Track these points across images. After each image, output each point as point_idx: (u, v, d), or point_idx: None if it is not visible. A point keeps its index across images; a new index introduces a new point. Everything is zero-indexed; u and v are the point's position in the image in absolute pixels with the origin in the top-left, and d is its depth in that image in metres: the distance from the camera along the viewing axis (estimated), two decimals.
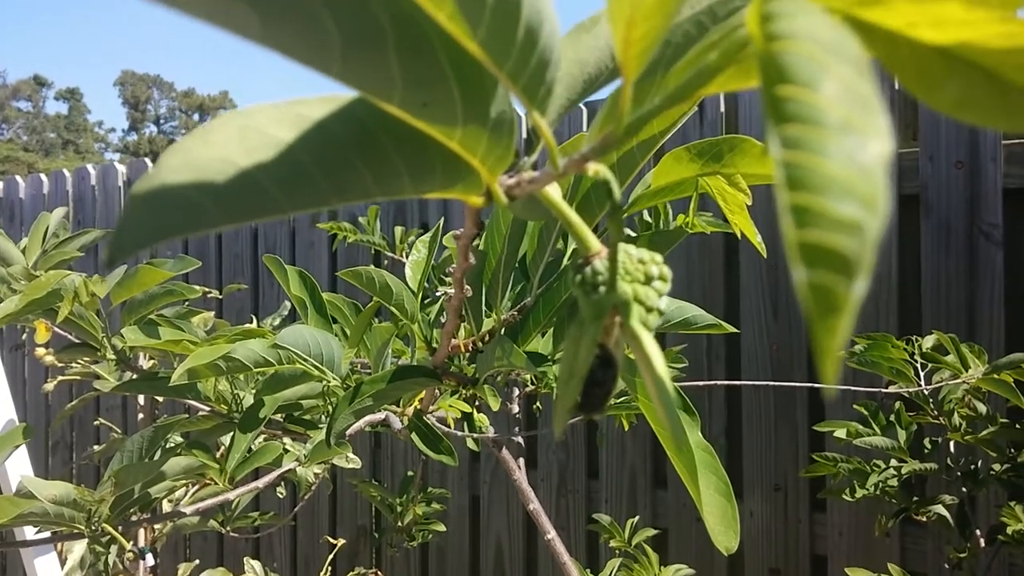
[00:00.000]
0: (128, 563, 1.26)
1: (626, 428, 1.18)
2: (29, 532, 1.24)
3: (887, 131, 0.15)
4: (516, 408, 1.36)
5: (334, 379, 0.71)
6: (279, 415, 1.07)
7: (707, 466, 0.45)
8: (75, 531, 0.86)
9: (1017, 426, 1.08)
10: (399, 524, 1.52)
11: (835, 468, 1.17)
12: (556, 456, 1.95)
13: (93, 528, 0.85)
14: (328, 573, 1.66)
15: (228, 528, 1.55)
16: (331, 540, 1.73)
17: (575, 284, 0.31)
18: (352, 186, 0.25)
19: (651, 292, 0.30)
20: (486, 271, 0.50)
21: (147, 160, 2.82)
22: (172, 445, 1.09)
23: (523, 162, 0.31)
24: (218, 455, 1.05)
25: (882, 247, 1.55)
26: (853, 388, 1.12)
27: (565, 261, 0.53)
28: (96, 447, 1.89)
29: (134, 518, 0.98)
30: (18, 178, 3.12)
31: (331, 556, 1.67)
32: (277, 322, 1.73)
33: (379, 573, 1.84)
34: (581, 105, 1.81)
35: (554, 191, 0.30)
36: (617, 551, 1.39)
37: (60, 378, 1.58)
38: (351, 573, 1.74)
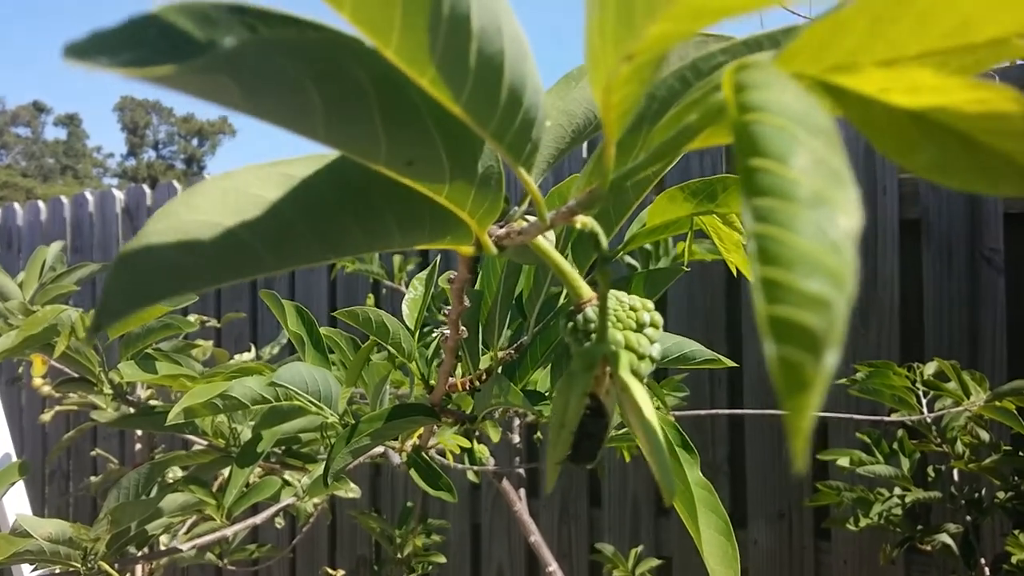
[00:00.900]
0: None
1: (627, 459, 1.17)
2: (25, 570, 1.23)
3: (856, 205, 0.15)
4: (517, 438, 1.36)
5: (332, 416, 0.70)
6: (278, 448, 1.07)
7: (707, 505, 0.45)
8: (71, 569, 0.86)
9: (1021, 454, 1.08)
10: (399, 556, 1.51)
11: (839, 497, 1.16)
12: (558, 484, 1.94)
13: (89, 566, 0.85)
14: None
15: (226, 561, 1.53)
16: (330, 572, 1.72)
17: (566, 332, 0.32)
18: (341, 241, 0.25)
19: (643, 339, 0.30)
20: (482, 310, 0.51)
21: (145, 186, 2.83)
22: (170, 480, 1.09)
23: (514, 211, 0.31)
24: (215, 488, 1.05)
25: (883, 273, 1.55)
26: (856, 416, 1.12)
27: (562, 299, 0.53)
28: (93, 478, 1.88)
29: (132, 553, 0.97)
30: (16, 205, 3.14)
31: None
32: (276, 350, 1.73)
33: None
34: None
35: (545, 240, 0.31)
36: None
37: (57, 408, 1.57)
38: None
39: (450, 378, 0.55)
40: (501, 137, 0.23)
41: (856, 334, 1.57)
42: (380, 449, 0.90)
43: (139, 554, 0.97)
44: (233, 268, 0.23)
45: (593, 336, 0.31)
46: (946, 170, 0.19)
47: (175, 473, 1.24)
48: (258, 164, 0.24)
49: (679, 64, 0.27)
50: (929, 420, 1.09)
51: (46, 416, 1.67)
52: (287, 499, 1.03)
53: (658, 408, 0.54)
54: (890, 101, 0.19)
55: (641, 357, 0.31)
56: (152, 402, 1.43)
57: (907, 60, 0.19)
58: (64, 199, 2.99)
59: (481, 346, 0.54)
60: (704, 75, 0.26)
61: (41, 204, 3.05)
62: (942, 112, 0.18)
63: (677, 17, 0.16)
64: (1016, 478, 1.10)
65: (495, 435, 1.16)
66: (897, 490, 1.16)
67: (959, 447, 1.10)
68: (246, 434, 1.03)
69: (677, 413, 1.19)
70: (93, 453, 2.17)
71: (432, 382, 0.61)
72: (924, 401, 1.10)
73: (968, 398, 1.02)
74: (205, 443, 1.04)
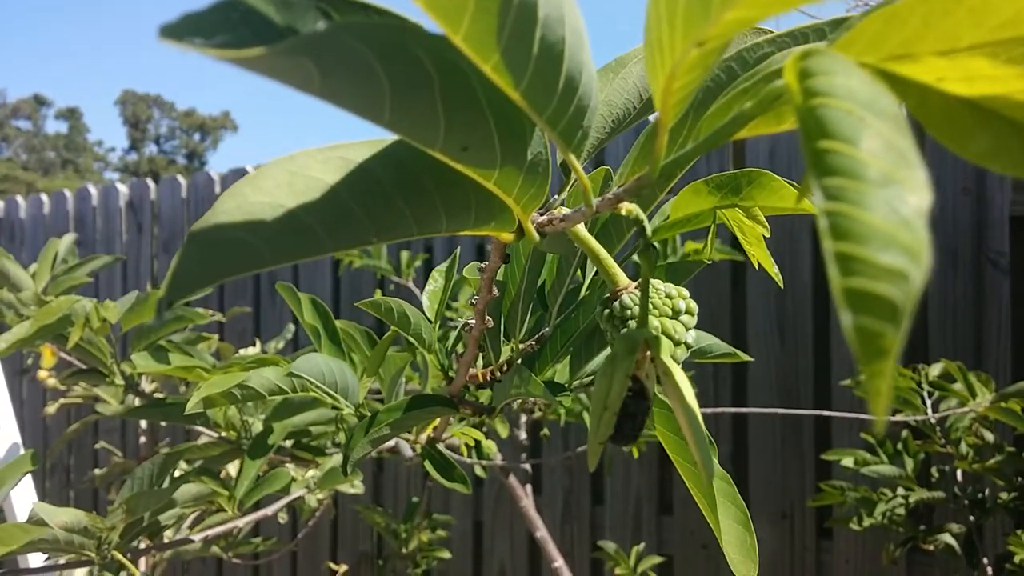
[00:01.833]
0: None
1: (636, 456, 1.18)
2: (32, 559, 1.24)
3: (926, 184, 0.16)
4: (523, 435, 1.36)
5: (348, 407, 0.71)
6: (288, 441, 1.07)
7: (725, 495, 0.45)
8: (84, 558, 0.86)
9: None
10: (403, 551, 1.51)
11: (843, 497, 1.17)
12: (560, 482, 1.94)
13: (103, 556, 0.85)
14: None
15: (230, 554, 1.54)
16: (333, 566, 1.72)
17: (602, 318, 0.32)
18: (393, 225, 0.26)
19: (679, 326, 0.30)
20: (505, 301, 0.51)
21: (149, 180, 2.83)
22: (179, 473, 1.09)
23: (554, 200, 0.31)
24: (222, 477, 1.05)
25: None
26: (860, 416, 1.12)
27: (583, 291, 0.54)
28: (97, 471, 1.88)
29: (142, 545, 0.98)
30: (18, 198, 3.14)
31: None
32: (281, 345, 1.74)
33: None
34: None
35: (583, 228, 0.31)
36: None
37: (62, 401, 1.58)
38: None
39: (471, 369, 0.56)
40: (555, 123, 0.24)
41: None
42: (390, 444, 0.91)
43: (150, 545, 0.98)
44: (295, 248, 0.24)
45: (630, 323, 0.31)
46: (999, 157, 0.19)
47: (180, 468, 1.25)
48: (318, 148, 0.24)
49: (724, 57, 0.28)
50: (934, 421, 1.10)
51: (51, 409, 1.67)
52: (297, 491, 1.04)
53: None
54: (946, 89, 0.19)
55: (677, 344, 0.32)
56: (159, 395, 1.43)
57: (960, 51, 0.20)
58: (67, 193, 2.99)
59: (502, 337, 0.55)
60: (750, 66, 0.26)
61: (44, 197, 3.05)
62: (997, 100, 0.19)
63: (755, 3, 0.16)
64: (1020, 479, 1.11)
65: (503, 430, 1.17)
66: (900, 490, 1.16)
67: (963, 448, 1.10)
68: (257, 426, 1.04)
69: None
70: (97, 446, 2.17)
71: (451, 373, 0.62)
72: (929, 402, 1.11)
73: (974, 399, 1.02)
74: (214, 435, 1.04)
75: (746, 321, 1.72)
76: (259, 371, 0.71)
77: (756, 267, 0.47)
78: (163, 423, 2.08)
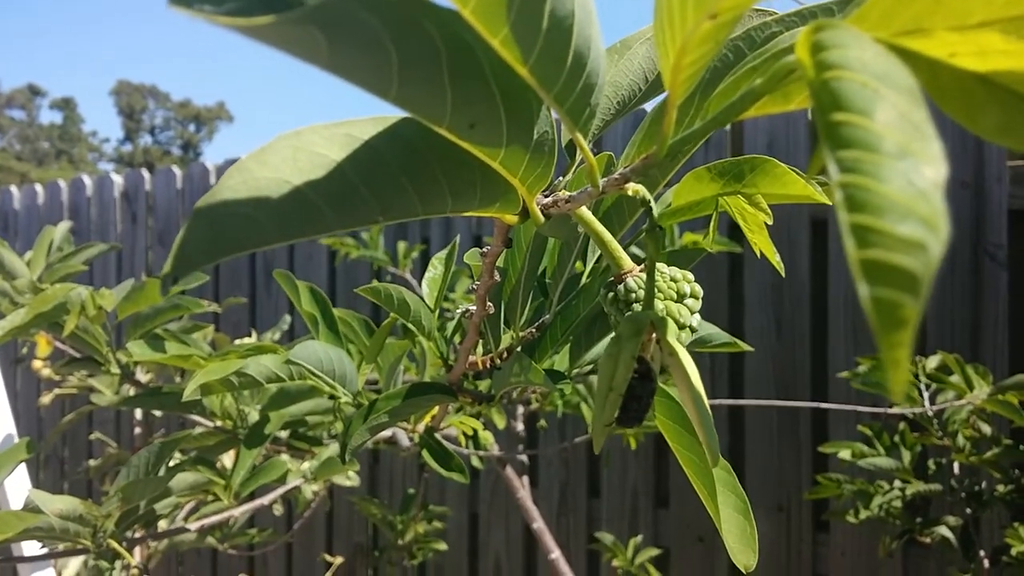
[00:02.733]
0: None
1: (633, 447, 1.18)
2: (27, 547, 1.23)
3: (941, 156, 0.16)
4: (520, 426, 1.36)
5: (345, 395, 0.71)
6: (284, 431, 1.07)
7: (726, 485, 0.45)
8: (79, 547, 0.86)
9: (1021, 447, 1.09)
10: (400, 542, 1.51)
11: (839, 490, 1.17)
12: (557, 474, 1.95)
13: (98, 544, 0.85)
14: None
15: (226, 545, 1.54)
16: (328, 558, 1.72)
17: (607, 301, 0.32)
18: (398, 204, 0.26)
19: (684, 309, 0.30)
20: (505, 288, 0.51)
21: (144, 171, 2.82)
22: (176, 462, 1.09)
23: (558, 181, 0.31)
24: (218, 467, 1.05)
25: None
26: (857, 408, 1.13)
27: (584, 279, 0.53)
28: (92, 461, 1.88)
29: (137, 535, 0.98)
30: (13, 188, 3.12)
31: (329, 575, 1.66)
32: (277, 336, 1.73)
33: None
34: None
35: (587, 210, 0.31)
36: (619, 571, 1.38)
37: (57, 391, 1.57)
38: None
39: (470, 356, 0.56)
40: (563, 100, 0.24)
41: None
42: (387, 434, 0.91)
43: (144, 534, 0.97)
44: (300, 225, 0.23)
45: (634, 306, 0.31)
46: (1011, 132, 0.19)
47: (179, 456, 1.24)
48: (324, 124, 0.24)
49: (731, 36, 0.27)
50: (931, 413, 1.10)
51: (45, 399, 1.67)
52: (294, 481, 1.04)
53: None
54: (958, 64, 0.19)
55: (682, 327, 0.31)
56: (154, 385, 1.43)
57: (971, 27, 0.20)
58: (62, 183, 2.98)
59: (502, 325, 0.55)
60: (758, 45, 0.26)
61: (39, 188, 3.04)
62: (1010, 76, 0.19)
63: None
64: (1017, 471, 1.11)
65: (500, 421, 1.17)
66: (897, 483, 1.17)
67: (960, 440, 1.11)
68: (253, 416, 1.03)
69: None
70: (92, 437, 2.17)
71: (451, 361, 0.61)
72: (926, 394, 1.11)
73: (971, 391, 1.03)
74: (210, 425, 1.04)
75: (743, 314, 1.72)
76: (257, 359, 0.70)
77: (758, 255, 0.46)
78: (158, 414, 2.07)
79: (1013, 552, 1.02)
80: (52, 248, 1.21)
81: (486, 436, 1.10)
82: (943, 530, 1.14)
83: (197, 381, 0.69)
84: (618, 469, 1.86)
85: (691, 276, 0.32)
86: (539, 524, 1.16)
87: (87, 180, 2.91)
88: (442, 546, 1.54)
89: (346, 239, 1.72)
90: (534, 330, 0.54)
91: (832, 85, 0.17)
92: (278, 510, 1.71)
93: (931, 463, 1.21)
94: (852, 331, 1.58)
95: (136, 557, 1.44)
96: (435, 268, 0.61)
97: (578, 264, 0.56)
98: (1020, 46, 0.19)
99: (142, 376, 1.60)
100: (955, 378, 1.04)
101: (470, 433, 0.82)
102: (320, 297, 0.79)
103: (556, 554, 1.16)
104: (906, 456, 1.12)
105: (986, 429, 1.09)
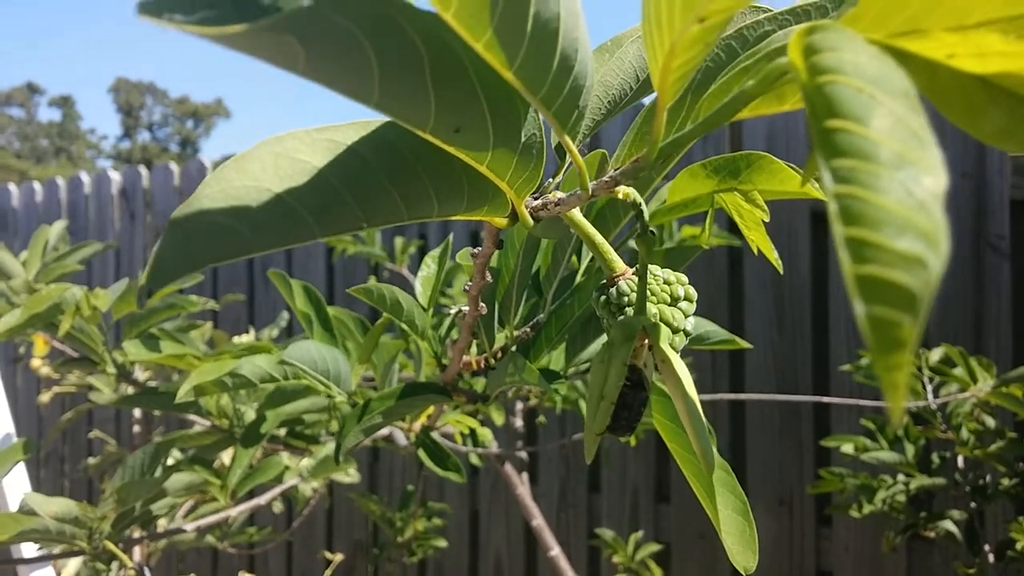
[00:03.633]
0: None
1: (632, 444, 1.17)
2: (27, 549, 1.23)
3: (941, 165, 0.15)
4: (519, 423, 1.36)
5: (340, 395, 0.70)
6: (280, 430, 1.06)
7: (724, 485, 0.45)
8: (76, 548, 0.86)
9: None
10: (399, 539, 1.51)
11: (842, 484, 1.17)
12: (557, 470, 1.94)
13: (94, 545, 0.85)
14: None
15: (225, 543, 1.54)
16: (328, 555, 1.72)
17: (599, 305, 0.31)
18: (383, 210, 0.25)
19: (678, 313, 0.30)
20: (499, 288, 0.50)
21: (141, 168, 2.81)
22: (172, 462, 1.08)
23: (548, 184, 0.31)
24: (215, 466, 1.05)
25: None
26: (860, 402, 1.12)
27: (579, 278, 0.53)
28: (91, 460, 1.87)
29: (136, 535, 0.97)
30: (11, 186, 3.11)
31: (329, 572, 1.66)
32: (275, 333, 1.73)
33: None
34: None
35: (578, 212, 0.30)
36: (620, 567, 1.38)
37: (56, 389, 1.57)
38: None
39: (464, 356, 0.55)
40: (551, 103, 0.23)
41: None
42: (384, 432, 0.90)
43: (142, 535, 0.97)
44: (281, 234, 0.23)
45: (627, 310, 0.30)
46: (1013, 136, 0.19)
47: (174, 456, 1.24)
48: (306, 129, 0.23)
49: (723, 36, 0.27)
50: (934, 406, 1.10)
51: (45, 397, 1.66)
52: (291, 480, 1.03)
53: None
54: (957, 66, 0.19)
55: (675, 331, 0.31)
56: (152, 384, 1.42)
57: (970, 27, 0.19)
58: (60, 180, 2.97)
59: (496, 324, 0.54)
60: (751, 44, 0.25)
61: (37, 185, 3.03)
62: (1010, 78, 0.18)
63: None
64: (1021, 464, 1.10)
65: (499, 418, 1.16)
66: (901, 477, 1.16)
67: (964, 433, 1.10)
68: (249, 415, 1.03)
69: None
70: (91, 435, 2.16)
71: (445, 361, 0.61)
72: (929, 387, 1.10)
73: (975, 384, 1.02)
74: (207, 424, 1.03)
75: (744, 309, 1.71)
76: (250, 359, 0.70)
77: (755, 253, 0.46)
78: (157, 412, 2.07)
79: (1018, 546, 1.02)
80: (47, 247, 1.20)
81: (484, 433, 1.10)
82: (947, 524, 1.13)
83: (191, 382, 0.69)
84: (618, 465, 1.85)
85: (685, 279, 0.31)
86: (538, 521, 1.16)
87: (85, 178, 2.90)
88: (442, 543, 1.54)
89: (342, 235, 1.71)
90: (529, 329, 0.53)
91: (826, 90, 0.16)
92: (277, 507, 1.71)
93: (935, 457, 1.21)
94: (853, 325, 1.57)
95: (136, 555, 1.44)
96: (428, 267, 0.60)
97: (573, 260, 0.56)
98: (1020, 47, 0.18)
99: (140, 374, 1.60)
100: (959, 371, 1.03)
101: (467, 432, 0.82)
102: (314, 296, 0.79)
103: (556, 551, 1.15)
104: (910, 450, 1.11)
105: (990, 422, 1.08)
